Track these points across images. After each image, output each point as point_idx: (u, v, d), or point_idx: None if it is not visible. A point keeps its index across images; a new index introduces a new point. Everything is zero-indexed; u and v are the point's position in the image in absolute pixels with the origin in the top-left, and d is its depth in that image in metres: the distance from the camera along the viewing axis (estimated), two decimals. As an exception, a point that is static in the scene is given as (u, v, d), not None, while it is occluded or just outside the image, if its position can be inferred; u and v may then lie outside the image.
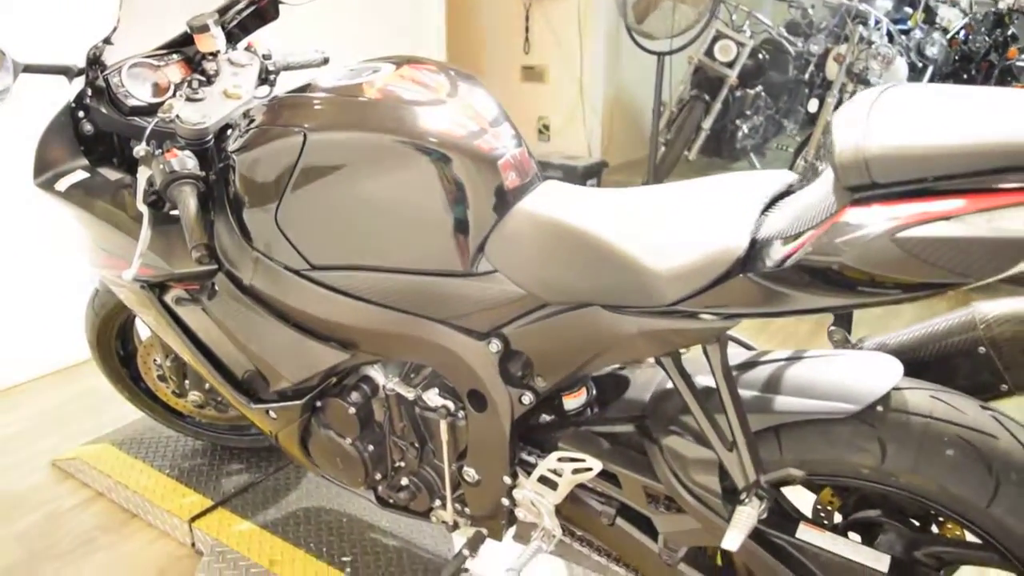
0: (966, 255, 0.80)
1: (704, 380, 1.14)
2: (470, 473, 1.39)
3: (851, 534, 1.21)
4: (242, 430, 2.17)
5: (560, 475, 1.28)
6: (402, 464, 1.51)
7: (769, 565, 1.16)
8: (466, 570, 1.57)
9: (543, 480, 1.31)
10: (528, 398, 1.26)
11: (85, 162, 1.59)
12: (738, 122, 5.19)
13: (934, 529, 1.18)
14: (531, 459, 1.34)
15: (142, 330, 2.08)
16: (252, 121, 1.34)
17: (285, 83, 1.55)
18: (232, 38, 1.59)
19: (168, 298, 1.55)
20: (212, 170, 1.40)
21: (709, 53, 4.87)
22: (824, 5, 5.20)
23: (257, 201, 1.33)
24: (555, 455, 1.28)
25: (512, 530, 1.47)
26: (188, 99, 1.38)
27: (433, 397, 1.37)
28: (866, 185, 0.86)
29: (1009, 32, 5.65)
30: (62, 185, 1.58)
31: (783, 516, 1.20)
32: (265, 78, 1.60)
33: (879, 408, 1.04)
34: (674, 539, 1.24)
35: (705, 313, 1.03)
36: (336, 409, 1.45)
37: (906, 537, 1.15)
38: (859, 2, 4.34)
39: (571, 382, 1.31)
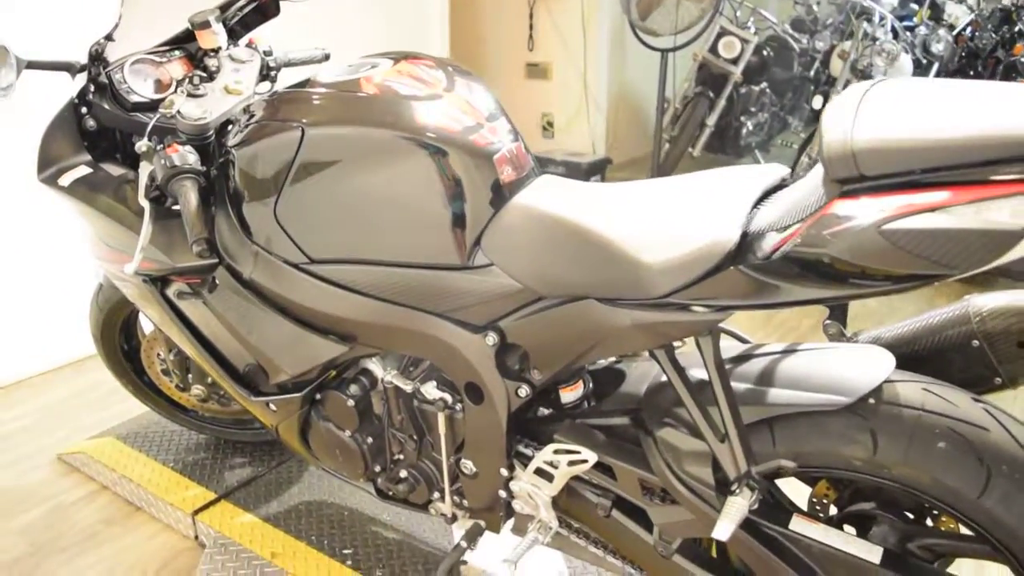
0: (952, 246, 0.81)
1: (697, 373, 1.15)
2: (468, 465, 1.40)
3: (846, 527, 1.21)
4: (245, 424, 2.19)
5: (556, 467, 1.29)
6: (401, 456, 1.52)
7: (762, 556, 1.16)
8: (465, 562, 1.58)
9: (539, 472, 1.32)
10: (524, 391, 1.27)
11: (88, 158, 1.60)
12: (742, 119, 5.18)
13: (928, 522, 1.19)
14: (528, 451, 1.35)
15: (146, 325, 2.10)
16: (252, 116, 1.36)
17: (287, 79, 1.56)
18: (233, 35, 1.60)
19: (170, 292, 1.57)
20: (213, 165, 1.41)
21: (713, 50, 4.86)
22: (829, 2, 5.20)
23: (256, 195, 1.34)
24: (551, 447, 1.29)
25: (510, 523, 1.49)
26: (189, 95, 1.40)
27: (431, 390, 1.38)
28: (854, 178, 0.86)
29: (1016, 28, 5.63)
30: (65, 180, 1.59)
31: (777, 508, 1.21)
32: (266, 74, 1.61)
33: (871, 400, 1.05)
34: (669, 531, 1.25)
35: (697, 305, 1.04)
36: (335, 401, 1.47)
37: (900, 529, 1.16)
38: (863, -2, 4.34)
39: (567, 375, 1.32)
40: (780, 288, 0.95)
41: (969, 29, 5.84)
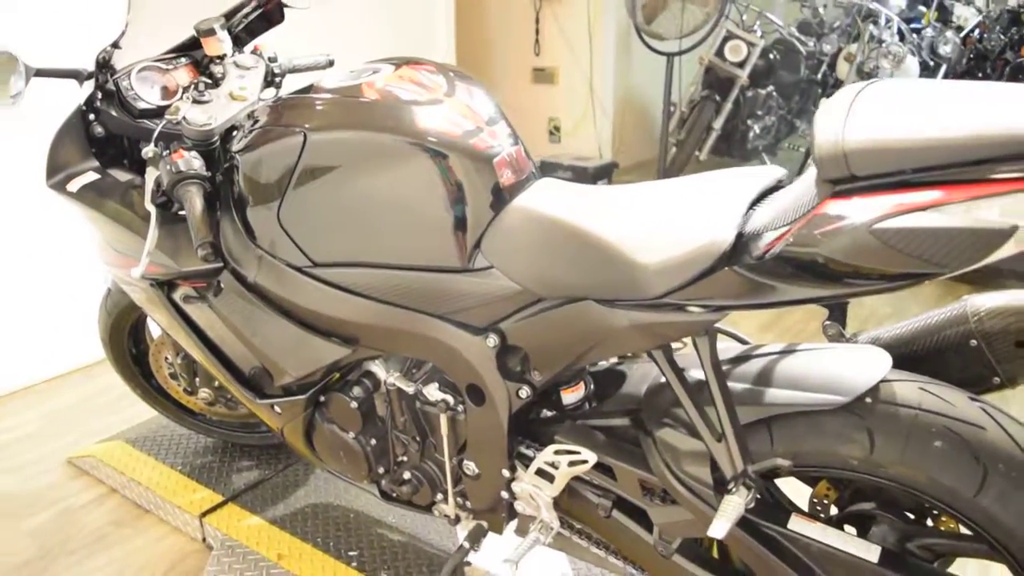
0: (942, 245, 0.82)
1: (695, 373, 1.16)
2: (470, 467, 1.41)
3: (847, 527, 1.22)
4: (252, 427, 2.21)
5: (557, 468, 1.30)
6: (404, 458, 1.54)
7: (761, 556, 1.17)
8: (468, 563, 1.59)
9: (540, 473, 1.33)
10: (525, 392, 1.28)
11: (96, 164, 1.63)
12: (749, 122, 5.18)
13: (929, 522, 1.19)
14: (529, 452, 1.36)
15: (153, 329, 2.12)
16: (255, 122, 1.38)
17: (292, 86, 1.58)
18: (239, 42, 1.62)
19: (176, 296, 1.59)
20: (218, 170, 1.43)
21: (720, 53, 4.87)
22: (836, 5, 5.20)
23: (260, 200, 1.36)
24: (552, 448, 1.30)
25: (513, 524, 1.49)
26: (195, 101, 1.42)
27: (433, 391, 1.40)
28: (845, 178, 0.87)
29: (1024, 30, 5.62)
30: (74, 186, 1.62)
31: (776, 508, 1.22)
32: (271, 80, 1.64)
33: (868, 400, 1.06)
34: (668, 530, 1.25)
35: (693, 305, 1.05)
36: (339, 403, 1.48)
37: (899, 529, 1.16)
38: (870, 1, 4.33)
39: (567, 376, 1.33)
40: (775, 288, 0.96)
41: (977, 31, 5.83)
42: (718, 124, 4.93)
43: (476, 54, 5.60)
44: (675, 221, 1.09)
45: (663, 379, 1.20)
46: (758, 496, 1.13)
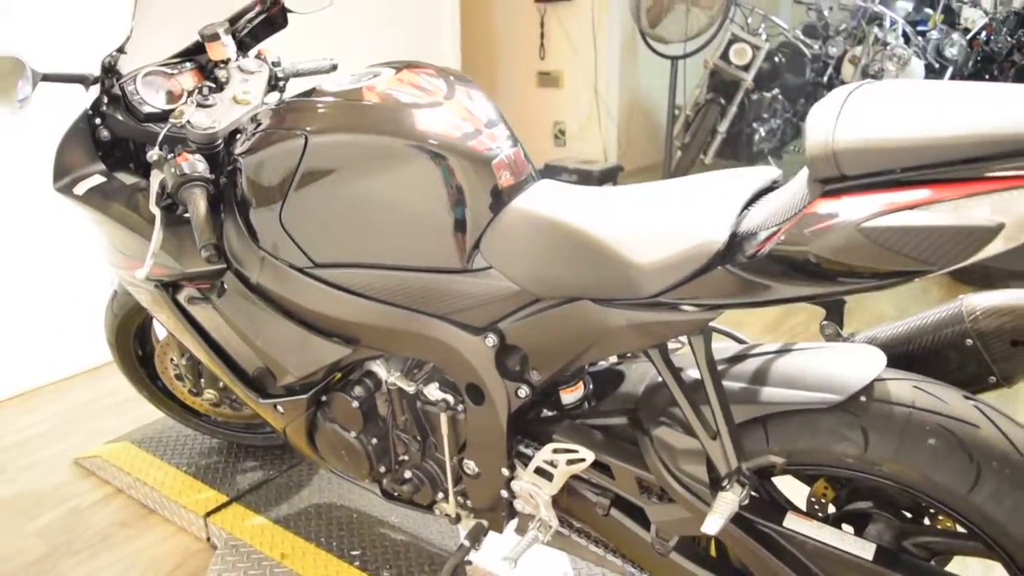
0: (930, 243, 0.83)
1: (691, 372, 1.17)
2: (470, 466, 1.42)
3: (845, 526, 1.22)
4: (256, 428, 2.23)
5: (555, 466, 1.31)
6: (405, 457, 1.55)
7: (757, 553, 1.18)
8: (469, 562, 1.60)
9: (539, 471, 1.34)
10: (524, 391, 1.29)
11: (102, 167, 1.65)
12: (755, 125, 5.18)
13: (926, 521, 1.20)
14: (528, 451, 1.37)
15: (159, 331, 2.14)
16: (258, 125, 1.40)
17: (295, 89, 1.60)
18: (243, 47, 1.64)
19: (181, 297, 1.61)
20: (222, 173, 1.45)
21: (724, 56, 4.87)
22: (841, 8, 5.20)
23: (262, 202, 1.38)
24: (550, 446, 1.31)
25: (514, 523, 1.51)
26: (199, 105, 1.44)
27: (433, 391, 1.41)
28: (835, 177, 0.88)
29: (1031, 32, 5.61)
30: (80, 189, 1.64)
31: (772, 506, 1.22)
32: (275, 84, 1.65)
33: (862, 398, 1.06)
34: (665, 528, 1.26)
35: (687, 304, 1.06)
36: (340, 403, 1.50)
37: (895, 527, 1.17)
38: (874, 4, 4.34)
39: (566, 375, 1.34)
40: (767, 287, 0.97)
41: (984, 33, 5.82)
42: (723, 127, 4.94)
43: (481, 58, 5.63)
44: (670, 221, 1.10)
45: (661, 378, 1.21)
46: (754, 494, 1.14)
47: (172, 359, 2.08)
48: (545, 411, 1.41)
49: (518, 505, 1.43)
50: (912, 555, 1.15)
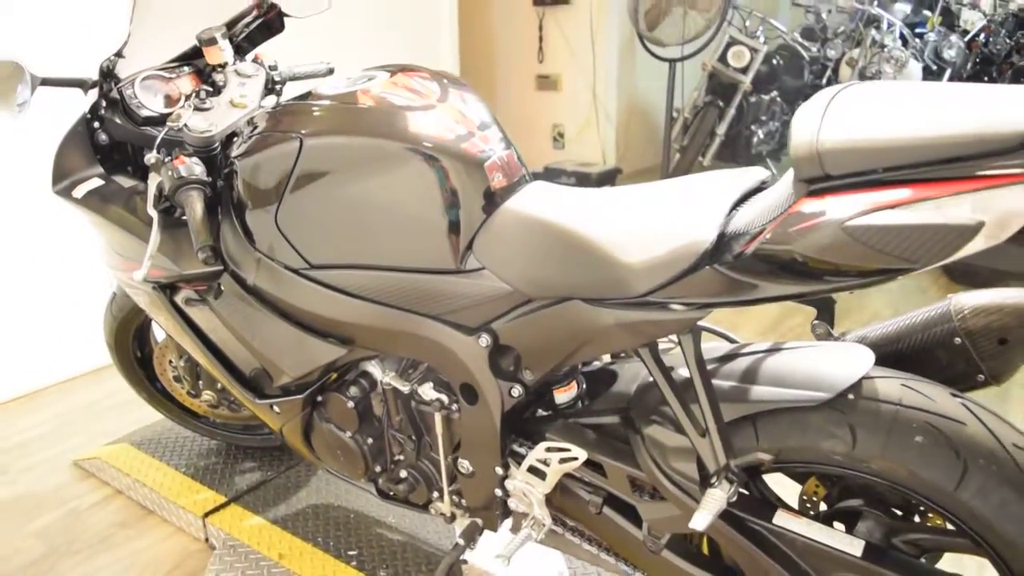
0: (912, 241, 0.84)
1: (682, 371, 1.19)
2: (465, 465, 1.44)
3: (836, 524, 1.23)
4: (254, 430, 2.24)
5: (548, 465, 1.32)
6: (400, 457, 1.56)
7: (748, 550, 1.19)
8: (465, 561, 1.61)
9: (532, 470, 1.35)
10: (517, 391, 1.30)
11: (100, 170, 1.66)
12: (753, 127, 5.20)
13: (916, 519, 1.21)
14: (522, 450, 1.38)
15: (158, 333, 2.15)
16: (254, 128, 1.41)
17: (292, 93, 1.61)
18: (240, 51, 1.66)
19: (178, 299, 1.62)
20: (219, 176, 1.47)
21: (723, 59, 4.89)
22: (839, 10, 5.22)
23: (258, 204, 1.39)
24: (543, 445, 1.32)
25: (508, 521, 1.52)
26: (196, 109, 1.46)
27: (428, 391, 1.42)
28: (819, 177, 0.90)
29: (1030, 34, 5.62)
30: (79, 192, 1.66)
31: (762, 503, 1.24)
32: (271, 88, 1.67)
33: (850, 396, 1.07)
34: (657, 526, 1.27)
35: (676, 303, 1.07)
36: (336, 403, 1.51)
37: (884, 524, 1.18)
38: (873, 6, 4.35)
39: (559, 375, 1.36)
40: (754, 285, 0.98)
41: (982, 35, 5.84)
42: (721, 130, 4.95)
43: (480, 62, 5.65)
44: (659, 222, 1.11)
45: (652, 379, 1.22)
46: (744, 491, 1.15)
47: (171, 361, 2.10)
48: (539, 410, 1.43)
49: (512, 504, 1.45)
50: (901, 552, 1.16)
